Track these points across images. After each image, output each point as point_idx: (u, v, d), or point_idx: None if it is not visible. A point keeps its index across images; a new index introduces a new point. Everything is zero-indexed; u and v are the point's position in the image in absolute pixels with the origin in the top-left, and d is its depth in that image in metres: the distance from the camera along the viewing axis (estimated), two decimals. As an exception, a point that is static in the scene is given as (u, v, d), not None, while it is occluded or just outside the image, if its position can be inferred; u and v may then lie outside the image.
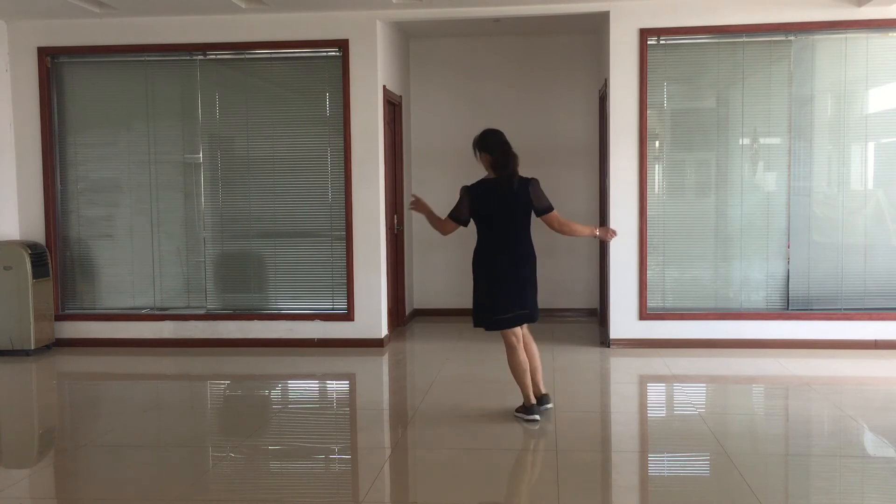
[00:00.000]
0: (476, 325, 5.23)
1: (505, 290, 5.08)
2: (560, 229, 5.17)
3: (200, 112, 7.65)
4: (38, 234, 7.69)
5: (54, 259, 7.67)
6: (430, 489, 4.21)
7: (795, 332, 7.14)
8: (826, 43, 7.14)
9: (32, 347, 7.29)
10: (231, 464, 4.57)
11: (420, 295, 9.16)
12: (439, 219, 5.18)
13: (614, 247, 7.26)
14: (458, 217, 5.12)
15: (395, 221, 8.23)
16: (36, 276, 7.30)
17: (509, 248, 5.08)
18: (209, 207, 7.70)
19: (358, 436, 5.26)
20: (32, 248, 7.37)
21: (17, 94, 7.64)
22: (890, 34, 7.09)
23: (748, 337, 7.17)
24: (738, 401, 5.94)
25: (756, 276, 7.29)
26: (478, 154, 5.15)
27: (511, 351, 5.12)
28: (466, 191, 5.11)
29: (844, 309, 7.16)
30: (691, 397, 5.99)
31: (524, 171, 8.74)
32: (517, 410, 5.20)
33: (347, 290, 7.49)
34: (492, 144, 5.09)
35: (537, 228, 5.15)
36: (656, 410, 5.83)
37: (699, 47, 7.28)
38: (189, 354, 7.38)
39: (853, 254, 7.19)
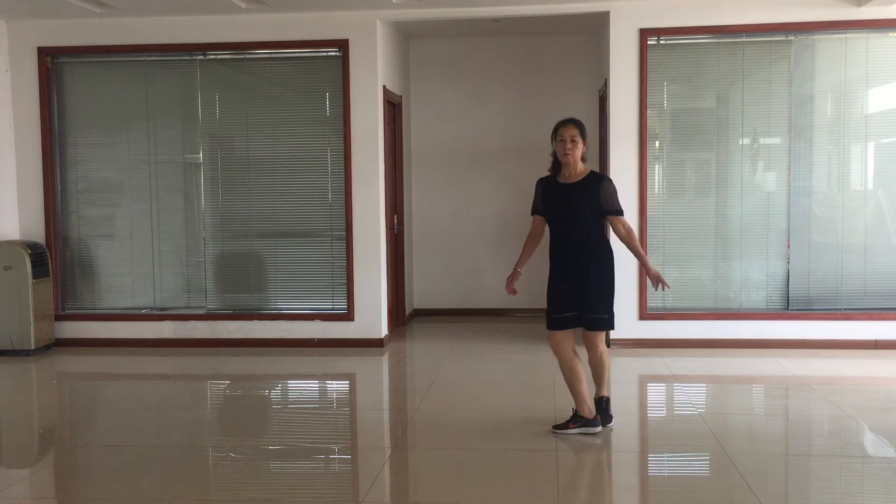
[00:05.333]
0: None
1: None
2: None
3: (200, 112, 7.65)
4: (38, 234, 7.69)
5: (54, 259, 7.67)
6: (430, 489, 4.21)
7: (795, 332, 7.14)
8: (826, 43, 7.14)
9: (32, 347, 7.29)
10: (231, 464, 4.57)
11: (420, 295, 9.16)
12: (637, 240, 4.95)
13: (614, 247, 7.24)
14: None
15: (395, 221, 8.23)
16: (36, 276, 7.30)
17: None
18: (209, 207, 7.70)
19: (358, 436, 5.26)
20: (32, 248, 7.37)
21: (17, 94, 7.64)
22: (890, 34, 7.09)
23: (748, 337, 7.17)
24: (738, 401, 5.94)
25: (756, 276, 7.29)
26: (582, 141, 4.79)
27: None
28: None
29: (844, 309, 7.16)
30: (691, 397, 5.99)
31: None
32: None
33: (347, 290, 7.49)
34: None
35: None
36: (656, 410, 5.83)
37: (699, 47, 7.29)
38: (189, 354, 7.38)
39: (853, 254, 7.19)
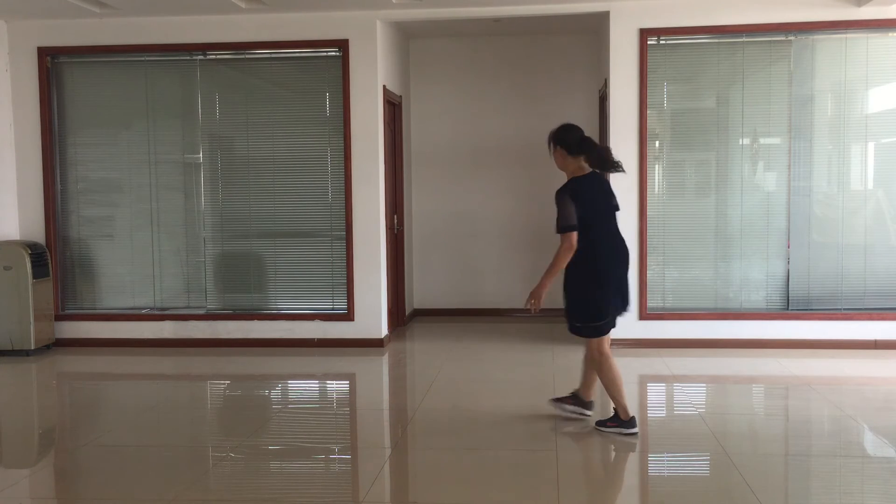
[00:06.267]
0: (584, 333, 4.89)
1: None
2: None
3: (200, 112, 7.65)
4: (38, 234, 7.69)
5: (54, 259, 7.67)
6: (430, 489, 4.21)
7: (795, 332, 7.14)
8: (826, 43, 7.14)
9: (32, 347, 7.29)
10: (231, 464, 4.57)
11: (420, 295, 9.16)
12: (556, 259, 4.75)
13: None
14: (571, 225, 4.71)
15: (395, 221, 8.23)
16: (36, 276, 7.30)
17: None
18: (209, 207, 7.70)
19: (358, 436, 5.26)
20: (32, 248, 7.37)
21: (17, 94, 7.64)
22: (890, 34, 7.09)
23: (748, 337, 7.17)
24: (738, 401, 5.94)
25: (756, 276, 7.29)
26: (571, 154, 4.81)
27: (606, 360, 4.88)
28: (570, 193, 4.74)
29: (844, 309, 7.16)
30: (691, 397, 5.99)
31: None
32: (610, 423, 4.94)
33: (347, 290, 7.49)
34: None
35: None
36: (656, 410, 5.82)
37: (699, 47, 7.29)
38: (189, 354, 7.38)
39: (853, 254, 7.19)
